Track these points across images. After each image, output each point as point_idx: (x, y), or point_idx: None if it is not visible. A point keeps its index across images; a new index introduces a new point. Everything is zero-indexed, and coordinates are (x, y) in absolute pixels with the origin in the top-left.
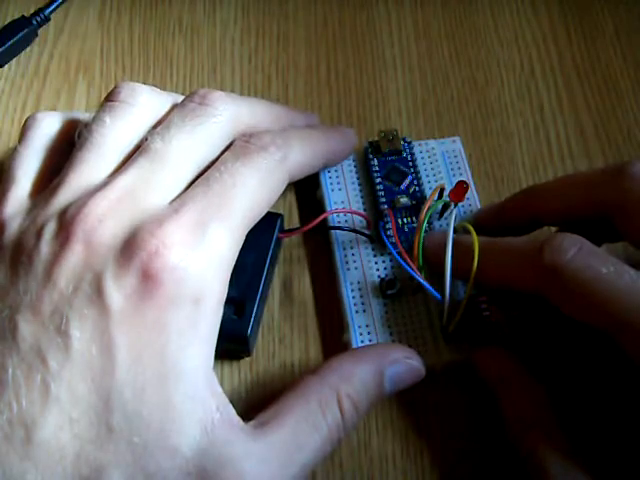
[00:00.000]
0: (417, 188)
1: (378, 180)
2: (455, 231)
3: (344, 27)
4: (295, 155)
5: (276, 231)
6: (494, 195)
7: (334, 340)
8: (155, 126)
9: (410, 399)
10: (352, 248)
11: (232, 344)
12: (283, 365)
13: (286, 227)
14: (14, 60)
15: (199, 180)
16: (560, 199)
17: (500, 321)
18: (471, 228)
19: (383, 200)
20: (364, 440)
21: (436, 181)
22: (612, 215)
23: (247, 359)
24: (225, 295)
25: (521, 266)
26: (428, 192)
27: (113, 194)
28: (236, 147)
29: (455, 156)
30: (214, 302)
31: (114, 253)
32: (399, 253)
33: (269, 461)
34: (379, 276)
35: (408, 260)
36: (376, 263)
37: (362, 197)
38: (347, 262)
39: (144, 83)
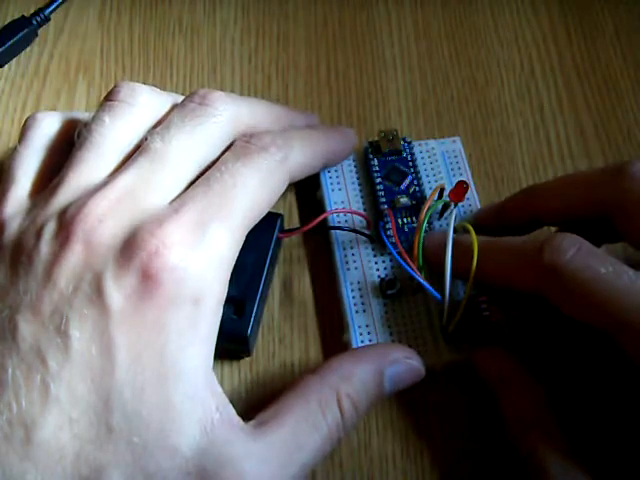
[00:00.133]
0: (417, 188)
1: (378, 180)
2: (455, 231)
3: (344, 27)
4: (295, 155)
5: (276, 231)
6: (494, 195)
7: (334, 340)
8: (155, 126)
9: (410, 399)
10: (352, 248)
11: (232, 344)
12: (283, 365)
13: (286, 227)
14: (14, 60)
15: (199, 180)
16: (560, 199)
17: (500, 321)
18: (471, 228)
19: (383, 200)
20: (364, 440)
21: (436, 181)
22: (612, 215)
23: (247, 359)
24: (225, 295)
25: (521, 266)
26: (428, 192)
27: (113, 194)
28: (236, 147)
29: (455, 156)
30: (214, 302)
31: (114, 253)
32: (399, 253)
33: (269, 461)
34: (379, 276)
35: (408, 260)
36: (376, 263)
37: (362, 197)
38: (347, 262)
39: (144, 83)
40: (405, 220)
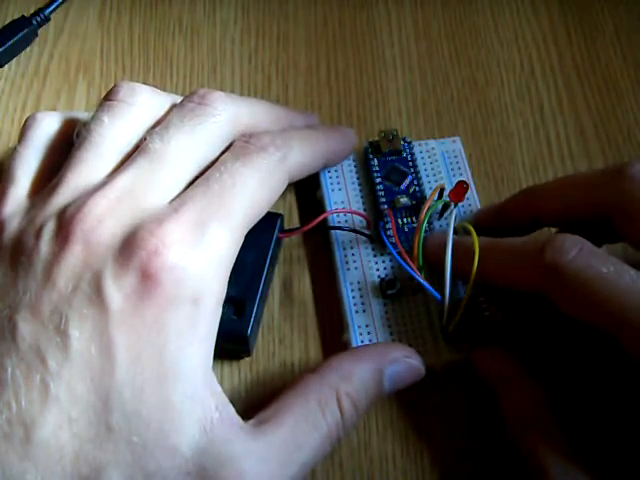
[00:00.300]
0: (417, 188)
1: (378, 180)
2: (455, 231)
3: (344, 27)
4: (295, 155)
5: (276, 231)
6: (494, 195)
7: (334, 340)
8: (154, 126)
9: (410, 399)
10: (352, 248)
11: (232, 344)
12: (283, 365)
13: (286, 227)
14: (14, 60)
15: (199, 180)
16: (560, 200)
17: (500, 321)
18: (471, 228)
19: (383, 200)
20: (364, 440)
21: (436, 181)
22: (612, 216)
23: (247, 359)
24: (224, 295)
25: (522, 266)
26: (428, 192)
27: (112, 194)
28: (236, 147)
29: (455, 156)
30: (213, 302)
31: (113, 253)
32: (399, 253)
33: (268, 460)
34: (379, 276)
35: (408, 260)
36: (376, 263)
37: (362, 197)
38: (347, 262)
39: (144, 83)
40: (405, 220)
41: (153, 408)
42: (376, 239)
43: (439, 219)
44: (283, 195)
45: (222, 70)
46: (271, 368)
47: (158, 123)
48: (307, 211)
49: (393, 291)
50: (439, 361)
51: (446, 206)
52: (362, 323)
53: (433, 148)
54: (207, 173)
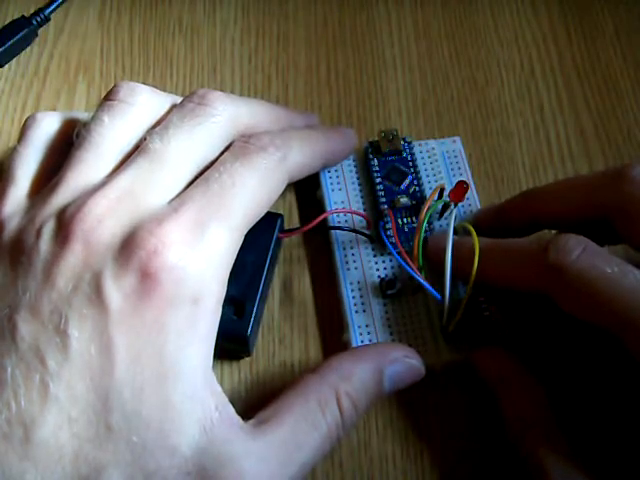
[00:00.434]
0: (417, 188)
1: (378, 180)
2: (455, 231)
3: (344, 27)
4: (294, 155)
5: (276, 231)
6: (494, 195)
7: (334, 340)
8: (154, 126)
9: (410, 399)
10: (352, 248)
11: (232, 344)
12: (283, 365)
13: (286, 227)
14: (14, 60)
15: (198, 180)
16: (560, 202)
17: (500, 321)
18: (471, 229)
19: (383, 200)
20: (364, 440)
21: (436, 181)
22: (613, 218)
23: (247, 359)
24: (224, 295)
25: (525, 266)
26: (428, 192)
27: (112, 194)
28: (235, 147)
29: (455, 156)
30: (213, 302)
31: (113, 252)
32: (399, 253)
33: (268, 460)
34: (379, 276)
35: (408, 260)
36: (376, 263)
37: (362, 197)
38: (347, 262)
39: (144, 83)
40: (405, 220)
41: (153, 408)
42: (376, 239)
43: (439, 219)
44: (283, 195)
45: (222, 70)
46: (271, 368)
47: (158, 123)
48: (307, 211)
49: (393, 291)
50: (439, 361)
51: (446, 206)
52: (362, 323)
53: (433, 148)
54: (207, 173)
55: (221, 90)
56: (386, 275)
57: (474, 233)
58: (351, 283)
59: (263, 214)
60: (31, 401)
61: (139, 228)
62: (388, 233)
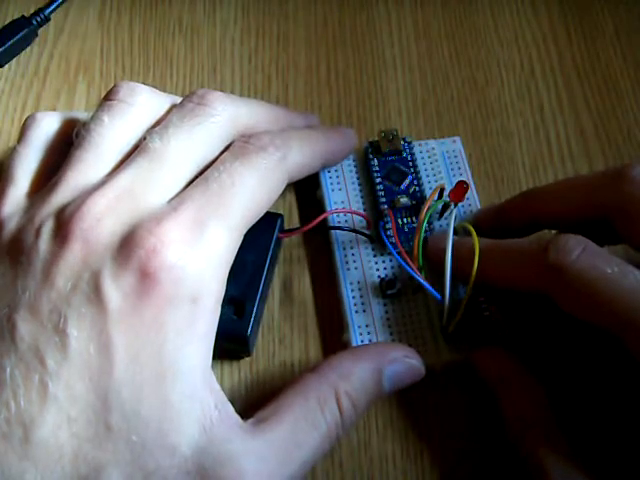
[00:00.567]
0: (417, 188)
1: (378, 180)
2: (455, 231)
3: (344, 27)
4: (294, 155)
5: (276, 231)
6: (494, 195)
7: (334, 340)
8: (154, 126)
9: (410, 399)
10: (352, 248)
11: (232, 344)
12: (283, 365)
13: (286, 227)
14: (14, 60)
15: (198, 180)
16: (560, 202)
17: (500, 321)
18: (472, 229)
19: (383, 200)
20: (364, 440)
21: (436, 181)
22: (613, 218)
23: (247, 359)
24: (223, 294)
25: (525, 266)
26: (428, 192)
27: (111, 193)
28: (235, 147)
29: (455, 156)
30: (212, 301)
31: (112, 252)
32: (399, 253)
33: (268, 459)
34: (379, 276)
35: (408, 260)
36: (376, 263)
37: (362, 197)
38: (347, 262)
39: (144, 83)
40: (405, 220)
41: (152, 407)
42: (376, 239)
43: (439, 219)
44: (283, 195)
45: (222, 70)
46: (271, 368)
47: (158, 123)
48: (307, 211)
49: (393, 291)
50: (439, 361)
51: (446, 206)
52: (362, 323)
53: (433, 148)
54: (206, 173)
55: (221, 90)
56: (386, 275)
57: (474, 233)
58: (351, 283)
59: (263, 214)
60: (30, 401)
61: (138, 227)
62: (388, 233)
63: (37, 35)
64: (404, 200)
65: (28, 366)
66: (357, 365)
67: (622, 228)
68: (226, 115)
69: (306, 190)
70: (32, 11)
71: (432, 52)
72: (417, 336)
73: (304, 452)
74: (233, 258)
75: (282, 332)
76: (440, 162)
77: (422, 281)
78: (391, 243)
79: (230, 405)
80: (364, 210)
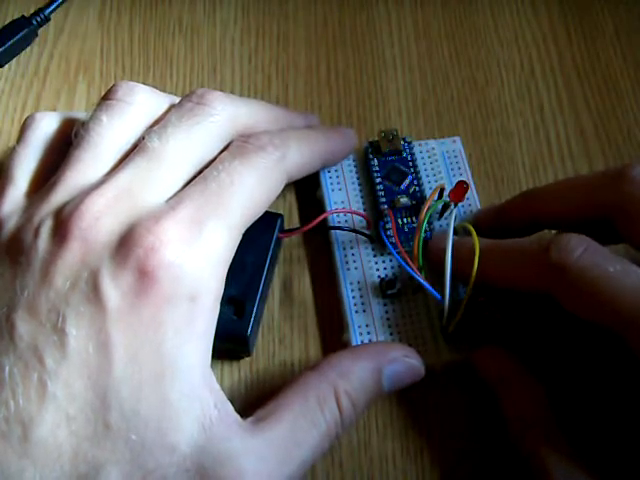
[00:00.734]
0: (417, 188)
1: (378, 180)
2: (456, 232)
3: (344, 27)
4: (293, 155)
5: (276, 231)
6: (494, 195)
7: (334, 340)
8: (152, 125)
9: (410, 399)
10: (352, 248)
11: (232, 344)
12: (283, 365)
13: (286, 227)
14: (14, 60)
15: (196, 179)
16: (560, 202)
17: (500, 321)
18: (472, 229)
19: (383, 200)
20: (364, 440)
21: (436, 181)
22: (613, 218)
23: (247, 359)
24: (222, 292)
25: (526, 265)
26: (428, 192)
27: (110, 192)
28: (234, 147)
29: (455, 156)
30: (210, 300)
31: (110, 250)
32: (399, 253)
33: (267, 458)
34: (379, 276)
35: (408, 260)
36: (376, 263)
37: (362, 197)
38: (347, 262)
39: (144, 83)
40: (405, 220)
41: (151, 406)
42: (376, 239)
43: (439, 219)
44: (283, 195)
45: (222, 70)
46: (271, 368)
47: (156, 123)
48: (307, 211)
49: (393, 291)
50: (439, 361)
51: (446, 206)
52: (362, 323)
53: (433, 148)
54: (205, 172)
55: (221, 90)
56: (386, 275)
57: (474, 233)
58: (351, 283)
59: (262, 213)
60: (29, 400)
61: (137, 226)
62: (388, 233)
63: (37, 35)
64: (404, 200)
65: (27, 365)
66: (357, 364)
67: (623, 228)
68: (225, 115)
69: (306, 190)
70: (32, 11)
71: (432, 52)
72: (417, 336)
73: (303, 451)
74: (232, 257)
75: (282, 332)
76: (440, 162)
77: (422, 281)
78: (391, 243)
79: (229, 404)
80: (364, 210)
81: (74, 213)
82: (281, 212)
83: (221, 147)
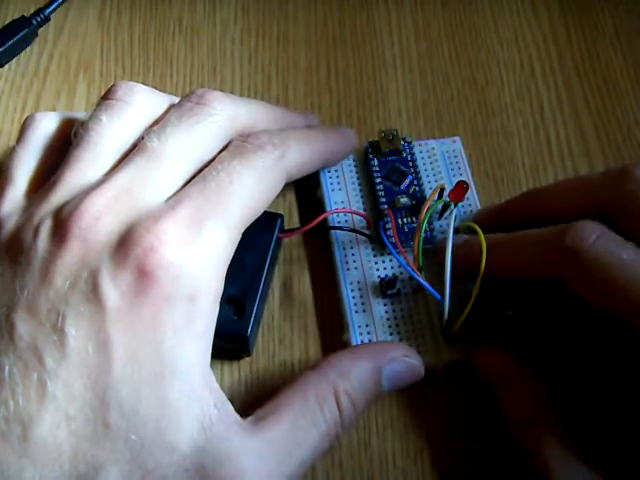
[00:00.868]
0: (417, 188)
1: (378, 180)
2: (457, 231)
3: (344, 27)
4: (292, 154)
5: (276, 231)
6: (494, 195)
7: (334, 340)
8: (152, 125)
9: (410, 399)
10: (352, 248)
11: (232, 344)
12: (283, 365)
13: (286, 227)
14: (14, 60)
15: (196, 178)
16: (561, 201)
17: (502, 321)
18: (477, 227)
19: (383, 200)
20: (364, 440)
21: (436, 181)
22: (616, 216)
23: (247, 359)
24: (221, 292)
25: (541, 250)
26: (428, 192)
27: (109, 192)
28: (233, 146)
29: (455, 156)
30: (210, 299)
31: (110, 250)
32: (399, 253)
33: (267, 457)
34: (379, 276)
35: (408, 260)
36: (376, 263)
37: (362, 197)
38: (347, 262)
39: (144, 83)
40: (405, 220)
41: (151, 406)
42: (376, 239)
43: (439, 219)
44: (283, 195)
45: (222, 70)
46: (271, 368)
47: (156, 122)
48: (307, 211)
49: (393, 291)
50: (439, 361)
51: (446, 206)
52: (362, 323)
53: (433, 148)
54: (204, 171)
55: (221, 90)
56: (386, 275)
57: (480, 232)
58: (351, 283)
59: (261, 213)
60: (29, 399)
61: (136, 225)
62: (388, 233)
63: (37, 35)
64: (404, 200)
65: (27, 365)
66: (356, 364)
67: (626, 226)
68: (225, 114)
69: (306, 190)
70: (32, 11)
71: (432, 52)
72: (417, 336)
73: (303, 450)
74: (231, 257)
75: (282, 332)
76: (440, 162)
77: (422, 281)
78: (391, 243)
79: (229, 404)
80: (364, 210)
81: (74, 213)
82: (281, 212)
83: (220, 147)
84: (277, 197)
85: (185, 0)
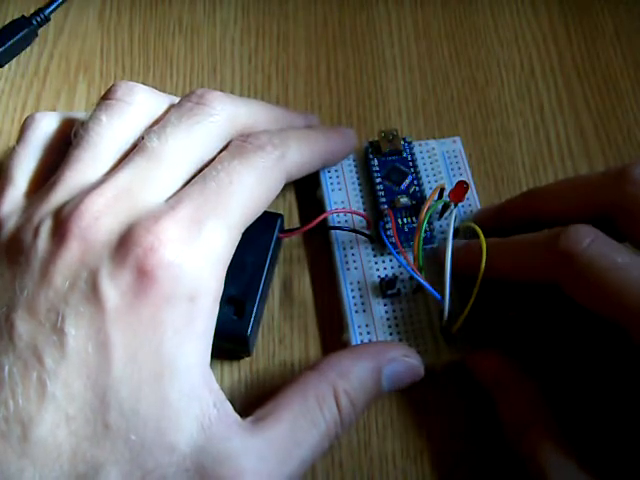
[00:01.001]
0: (417, 188)
1: (378, 180)
2: (457, 232)
3: (344, 27)
4: (292, 154)
5: (276, 231)
6: (494, 195)
7: (334, 340)
8: (152, 125)
9: (410, 399)
10: (352, 248)
11: (232, 344)
12: (283, 365)
13: (286, 227)
14: (14, 60)
15: (196, 178)
16: (561, 201)
17: (503, 321)
18: (477, 228)
19: (383, 200)
20: (364, 440)
21: (436, 181)
22: (615, 217)
23: (247, 359)
24: (221, 292)
25: (536, 254)
26: (428, 192)
27: (109, 192)
28: (233, 146)
29: (455, 156)
30: (210, 299)
31: (110, 250)
32: (399, 253)
33: (267, 457)
34: (379, 276)
35: (408, 260)
36: (376, 263)
37: (362, 197)
38: (347, 262)
39: (144, 83)
40: (405, 220)
41: (150, 406)
42: (376, 239)
43: (439, 219)
44: (283, 195)
45: (222, 70)
46: (271, 368)
47: (156, 122)
48: (307, 211)
49: (393, 291)
50: (439, 361)
51: (446, 206)
52: (362, 323)
53: (433, 148)
54: (204, 171)
55: (221, 90)
56: (386, 275)
57: (481, 233)
58: (351, 283)
59: (261, 213)
60: (29, 399)
61: (136, 225)
62: (388, 233)
63: (37, 35)
64: (404, 200)
65: (26, 364)
66: (356, 364)
67: (624, 227)
68: (225, 115)
69: (306, 190)
70: (32, 11)
71: (432, 52)
72: (417, 336)
73: (303, 450)
74: (231, 257)
75: (282, 332)
76: (440, 162)
77: (422, 281)
78: (391, 243)
79: (229, 404)
80: (364, 210)
81: (74, 213)
82: (281, 212)
83: (220, 147)
84: (277, 197)
85: (185, 0)
